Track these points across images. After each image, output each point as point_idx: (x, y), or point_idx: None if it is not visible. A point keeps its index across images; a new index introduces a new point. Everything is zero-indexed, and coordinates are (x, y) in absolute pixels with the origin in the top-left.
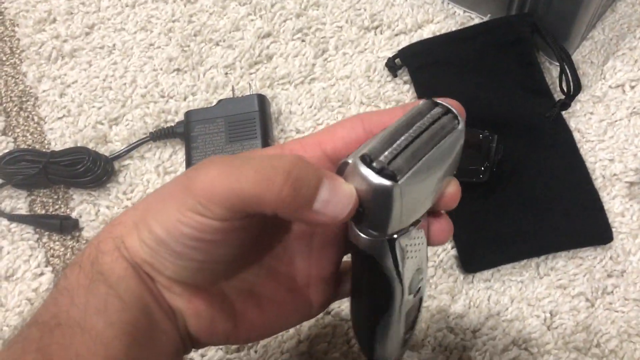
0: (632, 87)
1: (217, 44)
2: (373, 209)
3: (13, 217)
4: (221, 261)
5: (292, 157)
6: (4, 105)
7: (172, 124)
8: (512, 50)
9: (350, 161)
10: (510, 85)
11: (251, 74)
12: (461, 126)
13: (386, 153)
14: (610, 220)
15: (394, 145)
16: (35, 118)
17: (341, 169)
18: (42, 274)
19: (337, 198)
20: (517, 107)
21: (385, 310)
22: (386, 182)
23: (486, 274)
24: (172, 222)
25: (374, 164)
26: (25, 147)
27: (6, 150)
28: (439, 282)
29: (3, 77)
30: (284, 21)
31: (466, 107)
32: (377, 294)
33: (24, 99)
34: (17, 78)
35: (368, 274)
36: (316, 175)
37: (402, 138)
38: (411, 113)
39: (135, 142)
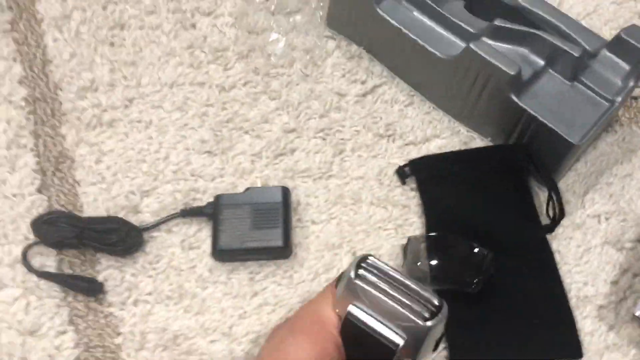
0: (607, 219)
1: (247, 133)
2: None
3: (42, 274)
4: None
5: None
6: (42, 164)
7: (201, 203)
8: (509, 175)
9: None
10: (504, 207)
11: (275, 164)
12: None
13: None
14: (580, 338)
15: None
16: (70, 180)
17: None
18: (64, 332)
19: None
20: (509, 227)
21: None
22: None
23: None
24: None
25: None
26: (59, 207)
27: (40, 209)
28: None
29: (42, 137)
30: (309, 119)
31: (465, 221)
32: None
33: (60, 160)
34: (56, 139)
35: None
36: None
37: None
38: None
39: (165, 217)
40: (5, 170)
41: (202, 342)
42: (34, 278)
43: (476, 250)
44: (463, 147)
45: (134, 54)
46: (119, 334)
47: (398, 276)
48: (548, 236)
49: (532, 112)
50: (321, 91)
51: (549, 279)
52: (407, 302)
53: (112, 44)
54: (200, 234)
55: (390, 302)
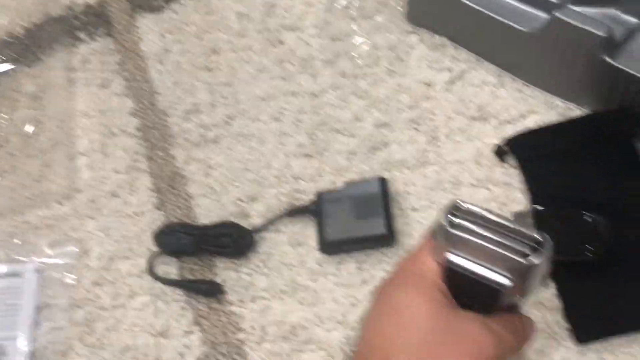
0: None
1: (340, 133)
2: None
3: (167, 281)
4: None
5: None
6: (157, 184)
7: (305, 202)
8: (614, 141)
9: None
10: (613, 174)
11: (371, 158)
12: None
13: None
14: None
15: None
16: (184, 195)
17: None
18: (191, 332)
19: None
20: (622, 194)
21: None
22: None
23: (598, 345)
24: None
25: None
26: (175, 220)
27: (159, 223)
28: (551, 353)
29: (155, 159)
30: (399, 112)
31: (574, 193)
32: None
33: (173, 179)
34: (168, 160)
35: None
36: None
37: None
38: None
39: (273, 217)
40: (126, 192)
41: (319, 331)
42: (160, 285)
43: (588, 218)
44: (561, 120)
45: (229, 75)
46: (240, 329)
47: (493, 217)
48: None
49: (630, 71)
50: (409, 84)
51: None
52: (507, 242)
53: (209, 69)
54: (306, 231)
55: (489, 245)
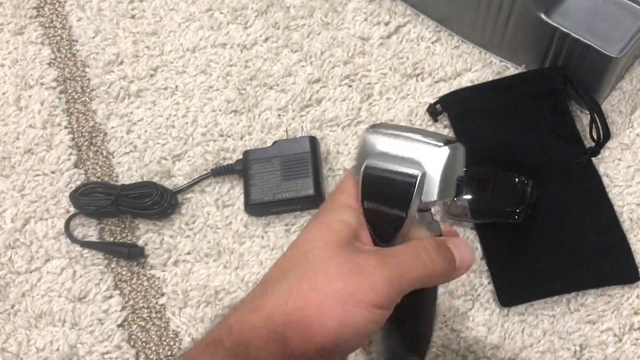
0: None
1: (271, 88)
2: None
3: (85, 244)
4: None
5: (432, 242)
6: (76, 140)
7: (231, 162)
8: (546, 100)
9: None
10: (543, 133)
11: (302, 116)
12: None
13: None
14: (637, 261)
15: None
16: (104, 152)
17: None
18: (111, 296)
19: (463, 251)
20: (550, 153)
21: None
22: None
23: (521, 308)
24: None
25: None
26: (95, 179)
27: (78, 182)
28: (476, 315)
29: (75, 114)
30: (333, 68)
31: (502, 152)
32: None
33: (93, 135)
34: (88, 115)
35: None
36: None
37: None
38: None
39: (197, 178)
40: (42, 149)
41: (242, 295)
42: (78, 248)
43: (515, 179)
44: (496, 78)
45: (154, 23)
46: (162, 294)
47: (410, 127)
48: (594, 160)
49: (564, 29)
50: (343, 37)
51: (597, 203)
52: (422, 138)
53: (133, 17)
54: (233, 191)
55: (405, 142)
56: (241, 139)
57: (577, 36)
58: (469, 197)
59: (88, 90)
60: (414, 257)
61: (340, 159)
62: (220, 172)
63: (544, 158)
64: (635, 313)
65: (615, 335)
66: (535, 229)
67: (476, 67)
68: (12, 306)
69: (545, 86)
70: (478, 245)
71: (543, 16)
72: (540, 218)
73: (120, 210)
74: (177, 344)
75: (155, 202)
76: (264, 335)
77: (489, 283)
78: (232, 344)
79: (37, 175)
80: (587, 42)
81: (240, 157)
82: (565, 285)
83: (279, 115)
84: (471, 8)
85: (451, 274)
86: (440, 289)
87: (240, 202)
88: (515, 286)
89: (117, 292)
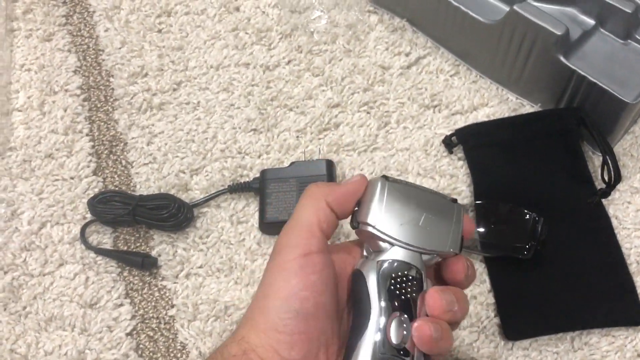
0: None
1: (291, 110)
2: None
3: (99, 251)
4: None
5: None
6: (96, 148)
7: (248, 179)
8: (560, 139)
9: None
10: (556, 172)
11: (319, 139)
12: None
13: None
14: None
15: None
16: (124, 162)
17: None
18: (121, 304)
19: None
20: (561, 192)
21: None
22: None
23: (525, 342)
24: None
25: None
26: (113, 187)
27: (96, 189)
28: (481, 347)
29: (97, 122)
30: (352, 94)
31: (514, 188)
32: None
33: (114, 144)
34: (109, 124)
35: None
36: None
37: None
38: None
39: (214, 193)
40: (63, 155)
41: None
42: (92, 254)
43: (527, 215)
44: (512, 115)
45: (180, 39)
46: (172, 305)
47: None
48: (604, 201)
49: (582, 72)
50: (364, 65)
51: (605, 245)
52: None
53: (159, 31)
54: (248, 208)
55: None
56: (259, 157)
57: (594, 80)
58: (480, 229)
59: (111, 99)
60: (309, 202)
61: None
62: (237, 188)
63: (555, 196)
64: (639, 355)
65: None
66: (544, 265)
67: (493, 102)
68: (24, 308)
69: (560, 126)
70: (486, 277)
71: (562, 59)
72: (549, 255)
73: (136, 220)
74: (184, 356)
75: (172, 214)
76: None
77: (495, 316)
78: None
79: (56, 180)
80: (604, 86)
81: (257, 175)
82: (571, 323)
83: (297, 136)
84: (491, 45)
85: None
86: None
87: (254, 220)
88: (521, 321)
89: (128, 300)
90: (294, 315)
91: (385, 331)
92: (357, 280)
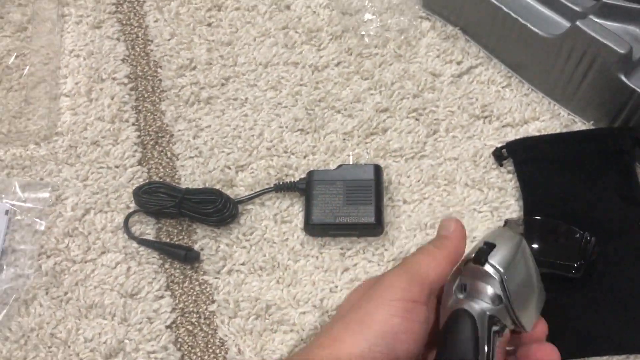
0: None
1: (339, 112)
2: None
3: (142, 242)
4: None
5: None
6: (142, 138)
7: (293, 179)
8: (613, 159)
9: None
10: (607, 191)
11: (367, 143)
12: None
13: None
14: None
15: None
16: (169, 154)
17: None
18: (162, 297)
19: None
20: (612, 212)
21: None
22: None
23: None
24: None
25: None
26: (157, 179)
27: (140, 180)
28: None
29: (143, 112)
30: (401, 99)
31: (564, 205)
32: None
33: (160, 135)
34: (156, 115)
35: None
36: None
37: None
38: None
39: (260, 190)
40: (109, 143)
41: (293, 313)
42: (134, 244)
43: (577, 234)
44: (563, 131)
45: (230, 34)
46: (213, 301)
47: None
48: None
49: None
50: (415, 71)
51: None
52: None
53: (209, 25)
54: (293, 208)
55: None
56: (304, 157)
57: None
58: (533, 245)
59: (158, 90)
60: (430, 258)
61: (401, 190)
62: (283, 187)
63: (605, 216)
64: None
65: None
66: (592, 286)
67: (544, 117)
68: (65, 293)
69: (615, 146)
70: None
71: (623, 77)
72: (597, 276)
73: (181, 213)
74: (222, 352)
75: (218, 209)
76: None
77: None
78: None
79: (101, 167)
80: None
81: (302, 175)
82: (616, 347)
83: (344, 139)
84: (548, 60)
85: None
86: None
87: (298, 220)
88: (566, 340)
89: (169, 293)
90: (386, 352)
91: None
92: (464, 322)
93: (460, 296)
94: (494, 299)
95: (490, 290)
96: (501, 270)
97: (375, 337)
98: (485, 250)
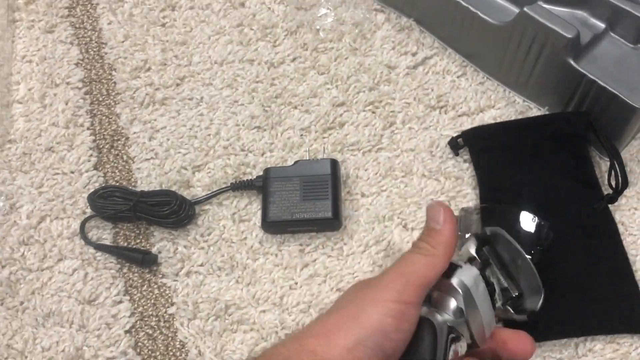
0: None
1: (295, 108)
2: None
3: (99, 247)
4: None
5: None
6: (97, 142)
7: (251, 177)
8: (567, 143)
9: None
10: (562, 176)
11: (324, 137)
12: None
13: None
14: None
15: None
16: (125, 157)
17: None
18: (120, 301)
19: None
20: (568, 197)
21: None
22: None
23: None
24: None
25: None
26: (114, 182)
27: (96, 184)
28: None
29: (98, 115)
30: (358, 93)
31: (520, 191)
32: None
33: (115, 138)
34: (111, 118)
35: None
36: None
37: None
38: None
39: (216, 190)
40: (63, 148)
41: (253, 312)
42: (92, 250)
43: (533, 220)
44: (519, 117)
45: (184, 33)
46: (172, 303)
47: None
48: (611, 207)
49: (591, 76)
50: (370, 64)
51: (611, 251)
52: None
53: (163, 25)
54: (251, 207)
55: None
56: (262, 155)
57: (603, 84)
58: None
59: (113, 93)
60: (427, 259)
61: (360, 183)
62: (239, 186)
63: (561, 200)
64: None
65: None
66: (549, 270)
67: (500, 104)
68: (21, 303)
69: (568, 130)
70: None
71: (572, 62)
72: (553, 260)
73: (137, 216)
74: (183, 355)
75: (174, 211)
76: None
77: (498, 321)
78: None
79: (57, 174)
80: (613, 91)
81: (260, 173)
82: (575, 329)
83: (301, 135)
84: (500, 47)
85: None
86: None
87: (256, 218)
88: (524, 326)
89: (127, 297)
90: (375, 350)
91: None
92: (428, 331)
93: (425, 307)
94: (456, 312)
95: (453, 303)
96: (467, 285)
97: (366, 334)
98: (453, 266)
